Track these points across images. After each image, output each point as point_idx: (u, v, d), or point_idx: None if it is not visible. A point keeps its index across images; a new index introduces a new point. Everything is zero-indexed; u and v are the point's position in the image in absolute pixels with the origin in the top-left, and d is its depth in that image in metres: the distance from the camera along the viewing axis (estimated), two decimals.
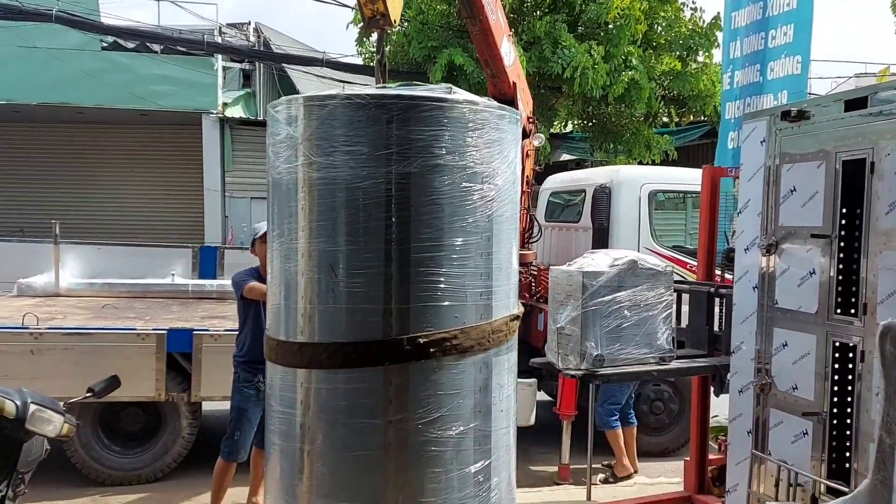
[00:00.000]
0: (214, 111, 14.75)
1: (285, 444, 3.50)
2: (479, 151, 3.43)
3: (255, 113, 16.66)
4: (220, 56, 14.79)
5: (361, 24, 12.48)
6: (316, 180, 3.35)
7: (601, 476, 6.40)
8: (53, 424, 3.07)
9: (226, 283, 7.63)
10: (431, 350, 3.35)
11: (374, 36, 7.35)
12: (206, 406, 7.05)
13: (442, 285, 3.37)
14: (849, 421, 3.65)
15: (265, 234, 4.61)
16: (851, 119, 3.50)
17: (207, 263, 7.80)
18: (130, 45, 14.38)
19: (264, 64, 16.92)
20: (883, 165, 3.30)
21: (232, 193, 15.41)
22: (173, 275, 7.55)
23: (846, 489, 3.10)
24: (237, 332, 5.00)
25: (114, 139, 16.14)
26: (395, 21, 6.64)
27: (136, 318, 6.11)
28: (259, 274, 5.02)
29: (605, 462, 6.56)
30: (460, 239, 3.40)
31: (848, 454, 3.64)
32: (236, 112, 15.73)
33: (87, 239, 9.02)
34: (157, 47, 14.49)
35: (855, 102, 3.49)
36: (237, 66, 16.96)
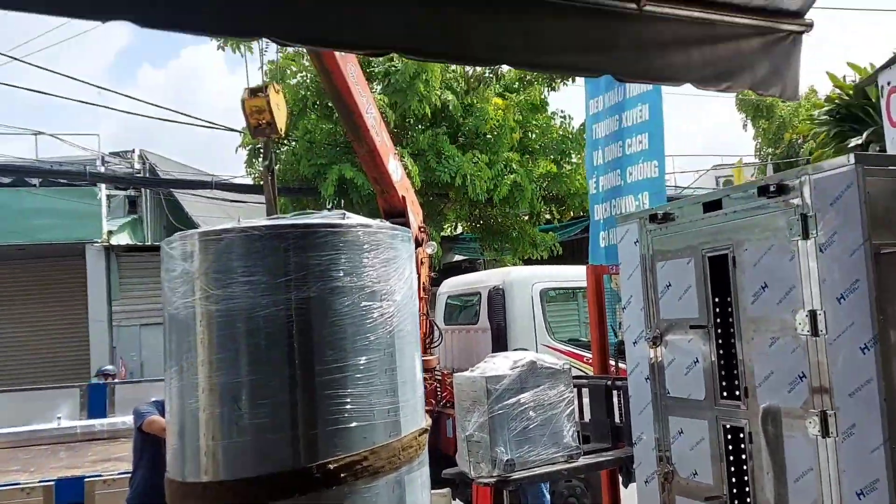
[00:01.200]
0: (99, 240, 14.30)
1: None
2: (375, 271, 3.54)
3: (142, 238, 16.26)
4: (103, 185, 14.49)
5: (250, 145, 12.68)
6: (214, 313, 3.33)
7: None
8: None
9: (117, 420, 7.24)
10: (342, 475, 3.30)
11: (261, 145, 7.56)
12: None
13: (349, 406, 3.37)
14: (749, 500, 3.82)
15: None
16: (711, 219, 3.86)
17: (97, 401, 7.37)
18: (6, 180, 13.89)
19: (151, 189, 16.68)
20: (742, 259, 3.64)
21: (120, 322, 14.76)
22: (59, 417, 7.07)
23: None
24: (130, 472, 4.73)
25: None
26: (281, 130, 6.87)
27: (20, 470, 5.66)
28: (163, 408, 4.82)
29: None
30: (364, 357, 3.43)
31: None
32: (123, 239, 15.32)
33: None
34: (35, 181, 14.06)
35: (712, 204, 3.86)
36: (122, 193, 16.63)
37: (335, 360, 3.37)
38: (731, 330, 3.85)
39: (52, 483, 5.14)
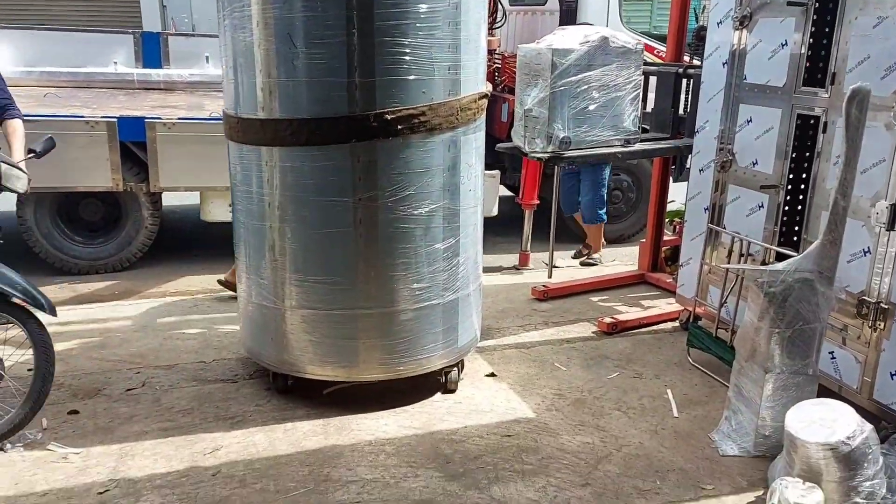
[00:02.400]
0: None
1: (254, 223, 3.51)
2: None
3: None
4: None
5: None
6: None
7: (575, 254, 6.61)
8: (22, 181, 3.28)
9: (172, 72, 7.25)
10: (399, 127, 3.28)
11: None
12: (170, 199, 7.03)
13: (408, 57, 3.24)
14: (802, 196, 3.77)
15: None
16: None
17: (151, 52, 7.32)
18: None
19: None
20: None
21: None
22: (116, 63, 7.10)
23: (795, 254, 3.26)
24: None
25: None
26: None
27: (82, 106, 5.81)
28: None
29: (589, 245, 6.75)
30: (426, 5, 3.21)
31: (798, 227, 3.81)
32: None
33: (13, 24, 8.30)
34: None
35: None
36: None
37: (394, 4, 3.15)
38: (832, 10, 3.46)
39: (114, 120, 5.30)
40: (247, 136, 3.41)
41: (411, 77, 3.27)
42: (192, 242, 6.73)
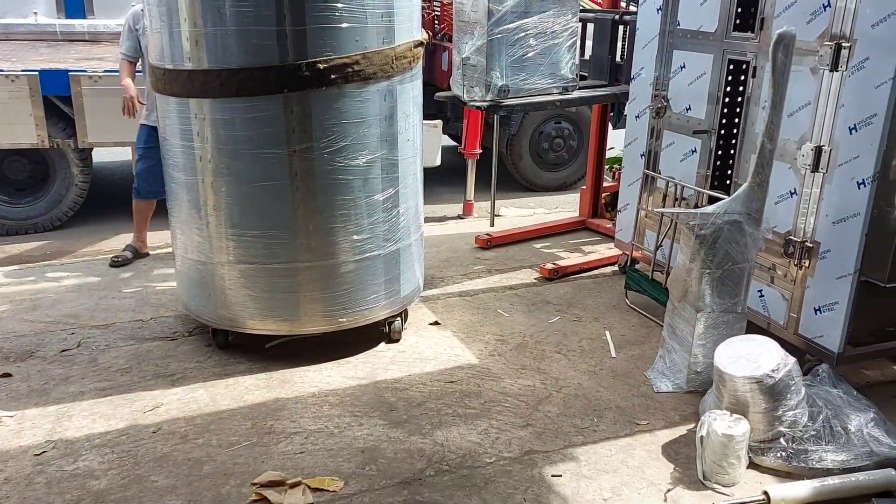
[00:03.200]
0: None
1: (187, 178, 3.42)
2: None
3: None
4: None
5: None
6: None
7: None
8: None
9: (98, 22, 6.92)
10: (333, 77, 3.22)
11: None
12: (102, 156, 6.78)
13: (340, 4, 3.16)
14: (734, 141, 3.86)
15: None
16: None
17: (74, 2, 6.96)
18: None
19: None
20: None
21: None
22: (36, 14, 6.73)
23: (725, 197, 3.35)
24: None
25: None
26: None
27: (0, 59, 5.53)
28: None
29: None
30: None
31: (730, 171, 3.91)
32: None
33: None
34: None
35: None
36: None
37: None
38: None
39: (36, 73, 5.06)
40: (174, 88, 3.31)
41: (343, 25, 3.19)
42: (126, 200, 6.55)
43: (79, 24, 6.81)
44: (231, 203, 3.35)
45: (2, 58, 5.62)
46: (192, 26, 3.15)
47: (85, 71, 5.25)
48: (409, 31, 3.52)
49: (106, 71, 5.31)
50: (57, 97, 5.23)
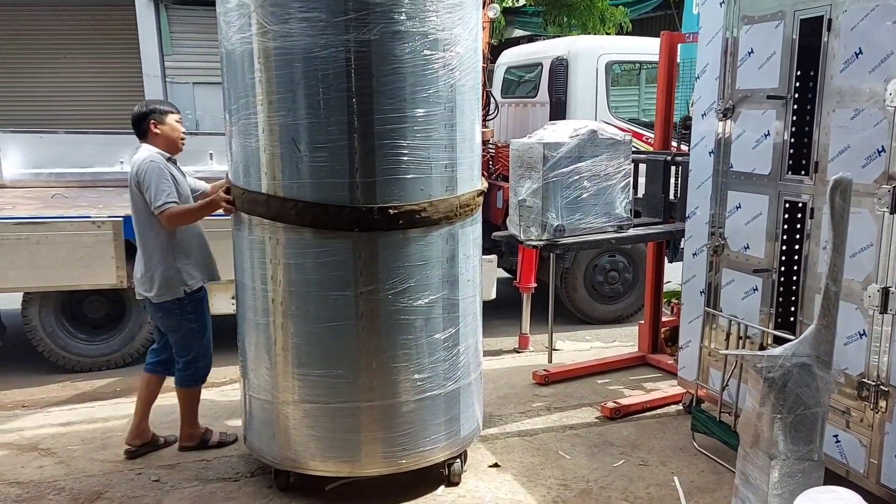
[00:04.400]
0: None
1: (257, 319, 3.56)
2: (439, 17, 3.34)
3: None
4: None
5: None
6: (272, 50, 3.24)
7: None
8: None
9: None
10: (400, 222, 3.39)
11: None
12: None
13: (406, 157, 3.36)
14: (795, 277, 3.85)
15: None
16: None
17: None
18: None
19: None
20: (840, 22, 3.32)
21: (173, 79, 14.68)
22: (122, 162, 7.30)
23: (792, 337, 3.31)
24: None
25: (43, 22, 15.07)
26: None
27: (89, 206, 5.95)
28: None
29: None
30: (422, 110, 3.35)
31: (794, 308, 3.87)
32: None
33: (25, 129, 8.58)
34: None
35: None
36: None
37: (393, 109, 3.29)
38: (809, 105, 3.63)
39: (120, 219, 5.43)
40: (254, 208, 3.46)
41: (409, 176, 3.39)
42: None
43: None
44: (298, 343, 3.46)
45: (90, 204, 6.05)
46: (270, 179, 3.39)
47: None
48: (471, 178, 3.71)
49: None
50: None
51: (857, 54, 3.23)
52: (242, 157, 3.49)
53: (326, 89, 3.24)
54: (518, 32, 16.97)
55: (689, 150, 4.64)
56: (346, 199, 3.31)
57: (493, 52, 8.53)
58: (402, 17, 3.24)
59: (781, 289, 3.90)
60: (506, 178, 6.12)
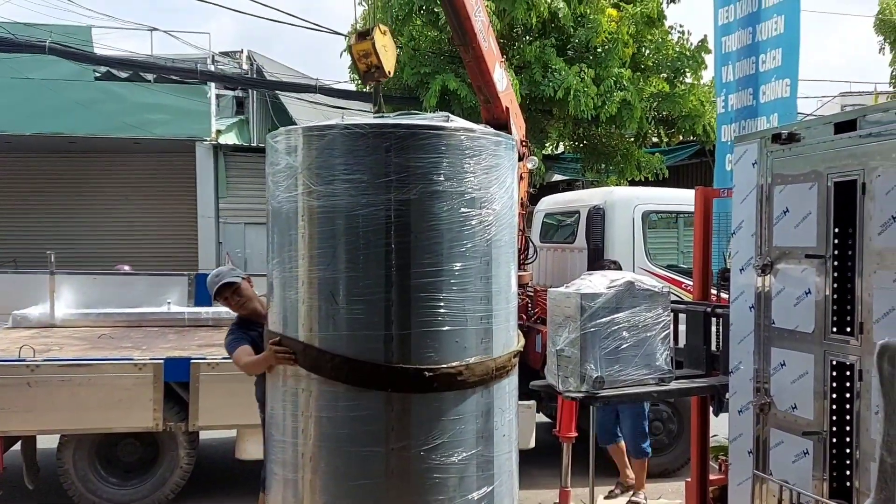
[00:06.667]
0: (208, 138, 14.81)
1: (287, 474, 3.49)
2: (476, 177, 3.48)
3: (248, 139, 16.72)
4: (213, 84, 14.87)
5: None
6: (316, 208, 3.39)
7: (609, 493, 6.38)
8: None
9: (221, 309, 7.60)
10: (435, 385, 3.35)
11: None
12: (204, 435, 7.02)
13: (442, 310, 3.40)
14: (849, 440, 3.66)
15: (231, 282, 4.30)
16: (842, 141, 3.56)
17: (203, 291, 7.74)
18: (123, 74, 14.45)
19: (257, 91, 17.02)
20: (874, 186, 3.35)
21: (226, 219, 15.42)
22: (169, 303, 7.53)
23: None
24: None
25: (107, 168, 16.16)
26: (389, 72, 6.77)
27: (132, 347, 6.09)
28: (243, 324, 4.45)
29: (623, 483, 6.56)
30: (459, 264, 3.43)
31: (849, 473, 3.65)
32: (230, 139, 15.79)
33: (81, 268, 8.99)
34: (150, 76, 14.56)
35: (845, 125, 3.54)
36: (230, 93, 17.05)
37: (431, 264, 3.37)
38: (850, 263, 3.60)
39: (161, 361, 5.53)
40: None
41: (445, 328, 3.41)
42: (225, 480, 6.64)
43: (204, 311, 7.53)
44: (327, 501, 3.36)
45: (134, 346, 6.19)
46: (307, 331, 3.43)
47: (205, 358, 5.68)
48: (507, 331, 3.71)
49: (224, 358, 5.72)
50: (176, 382, 5.62)
51: (894, 218, 3.23)
52: (280, 311, 3.57)
53: (366, 245, 3.34)
54: (557, 177, 17.53)
55: (728, 302, 4.58)
56: (381, 353, 3.32)
57: (534, 196, 8.78)
58: (440, 178, 3.39)
59: (835, 451, 3.70)
60: (544, 322, 6.11)
